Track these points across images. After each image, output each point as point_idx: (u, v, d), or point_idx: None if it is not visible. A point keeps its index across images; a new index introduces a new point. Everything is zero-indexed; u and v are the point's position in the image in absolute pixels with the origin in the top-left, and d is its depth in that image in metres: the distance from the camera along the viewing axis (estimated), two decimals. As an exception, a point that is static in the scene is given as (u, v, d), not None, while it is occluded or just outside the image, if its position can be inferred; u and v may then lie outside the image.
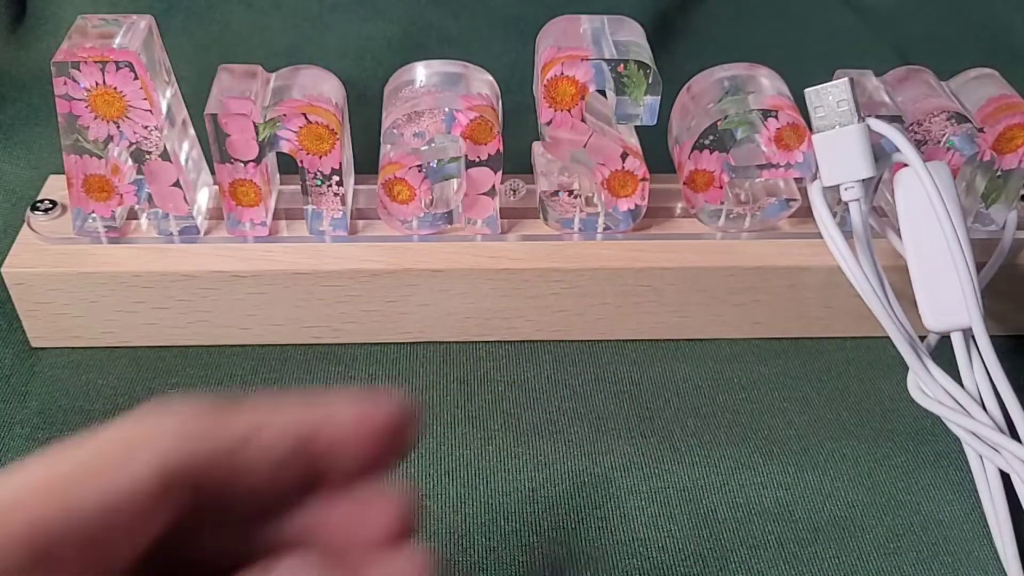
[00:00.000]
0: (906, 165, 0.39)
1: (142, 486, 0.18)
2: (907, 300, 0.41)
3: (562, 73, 0.39)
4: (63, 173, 0.41)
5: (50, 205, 0.43)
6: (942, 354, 0.40)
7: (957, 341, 0.38)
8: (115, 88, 0.38)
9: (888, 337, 0.46)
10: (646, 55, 0.40)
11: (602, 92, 0.41)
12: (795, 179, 0.44)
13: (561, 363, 0.44)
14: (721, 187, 0.43)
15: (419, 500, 0.22)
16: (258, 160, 0.40)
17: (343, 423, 0.21)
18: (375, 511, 0.21)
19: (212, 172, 0.43)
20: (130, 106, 0.38)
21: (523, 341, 0.45)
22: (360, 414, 0.21)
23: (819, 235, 0.45)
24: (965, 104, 0.43)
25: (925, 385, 0.39)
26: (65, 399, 0.41)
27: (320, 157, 0.40)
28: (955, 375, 0.39)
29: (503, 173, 0.42)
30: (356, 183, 0.46)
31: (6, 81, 0.58)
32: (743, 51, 0.47)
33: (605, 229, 0.44)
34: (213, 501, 0.20)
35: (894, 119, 0.41)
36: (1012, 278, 0.45)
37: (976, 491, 0.39)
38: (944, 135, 0.42)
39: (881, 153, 0.42)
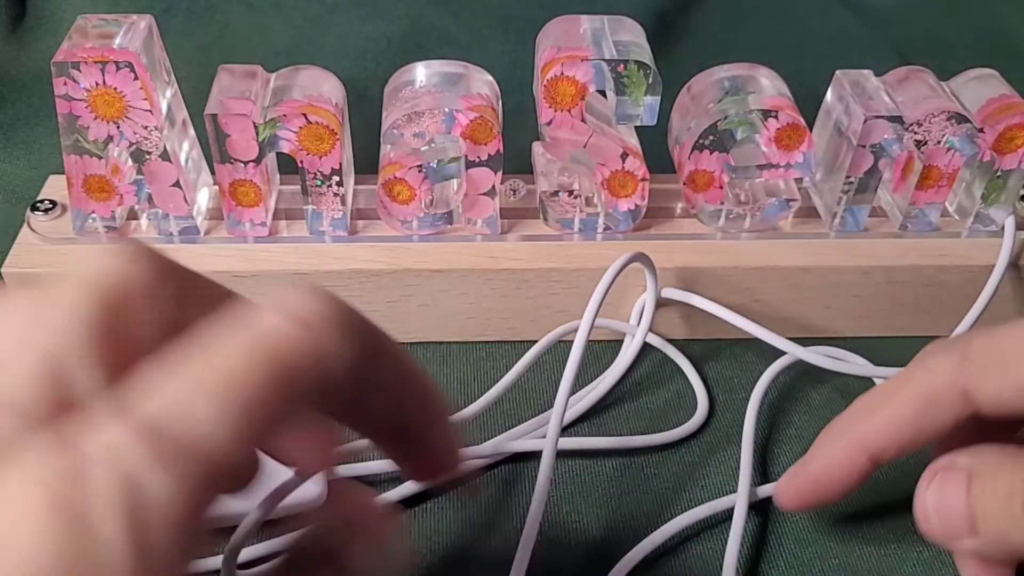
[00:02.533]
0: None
1: None
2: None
3: (562, 73, 0.39)
4: (63, 173, 0.41)
5: (50, 205, 0.43)
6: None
7: None
8: (115, 88, 0.38)
9: (889, 337, 0.46)
10: (646, 55, 0.40)
11: (602, 92, 0.41)
12: (795, 179, 0.44)
13: (561, 363, 0.44)
14: (721, 187, 0.43)
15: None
16: (258, 160, 0.40)
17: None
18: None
19: (212, 172, 0.43)
20: (130, 106, 0.38)
21: (523, 341, 0.45)
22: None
23: (819, 235, 0.45)
24: (965, 104, 0.43)
25: None
26: (65, 399, 0.41)
27: (320, 157, 0.40)
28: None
29: (503, 173, 0.42)
30: (356, 183, 0.46)
31: (6, 81, 0.58)
32: (743, 51, 0.47)
33: (605, 229, 0.44)
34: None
35: (894, 119, 0.41)
36: (1012, 280, 0.45)
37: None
38: (944, 135, 0.42)
39: (881, 153, 0.42)
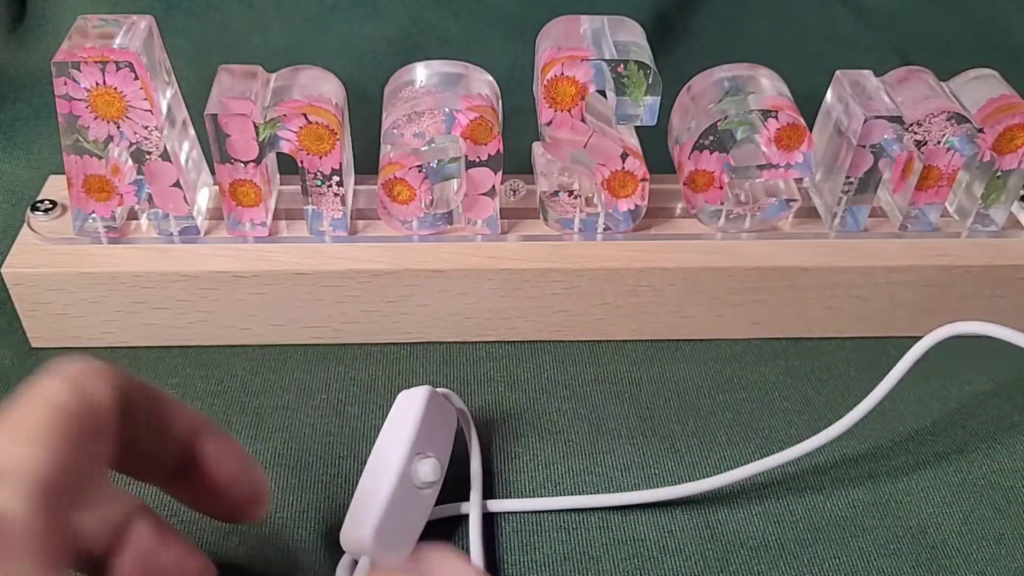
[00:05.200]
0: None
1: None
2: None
3: (562, 73, 0.39)
4: (63, 173, 0.41)
5: (50, 205, 0.43)
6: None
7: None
8: (115, 88, 0.38)
9: (889, 337, 0.46)
10: (646, 55, 0.40)
11: (602, 92, 0.41)
12: (795, 179, 0.44)
13: (561, 363, 0.44)
14: (721, 187, 0.43)
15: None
16: (258, 160, 0.40)
17: (221, 467, 0.28)
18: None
19: (212, 172, 0.43)
20: (130, 106, 0.38)
21: (523, 341, 0.45)
22: (237, 474, 0.29)
23: (819, 235, 0.45)
24: (965, 105, 0.43)
25: None
26: (65, 399, 0.41)
27: (320, 157, 0.40)
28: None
29: (503, 173, 0.42)
30: (356, 183, 0.46)
31: (6, 81, 0.58)
32: (743, 51, 0.47)
33: (605, 229, 0.44)
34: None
35: (894, 119, 0.41)
36: (1012, 279, 0.45)
37: (976, 493, 0.39)
38: (944, 135, 0.42)
39: (881, 153, 0.42)
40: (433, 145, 0.41)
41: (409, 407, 0.36)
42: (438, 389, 0.37)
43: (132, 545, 0.28)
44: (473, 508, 0.37)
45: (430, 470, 0.34)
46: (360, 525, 0.33)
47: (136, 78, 0.38)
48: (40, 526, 0.21)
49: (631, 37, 0.41)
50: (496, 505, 0.38)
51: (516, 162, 0.45)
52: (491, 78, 0.43)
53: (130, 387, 0.25)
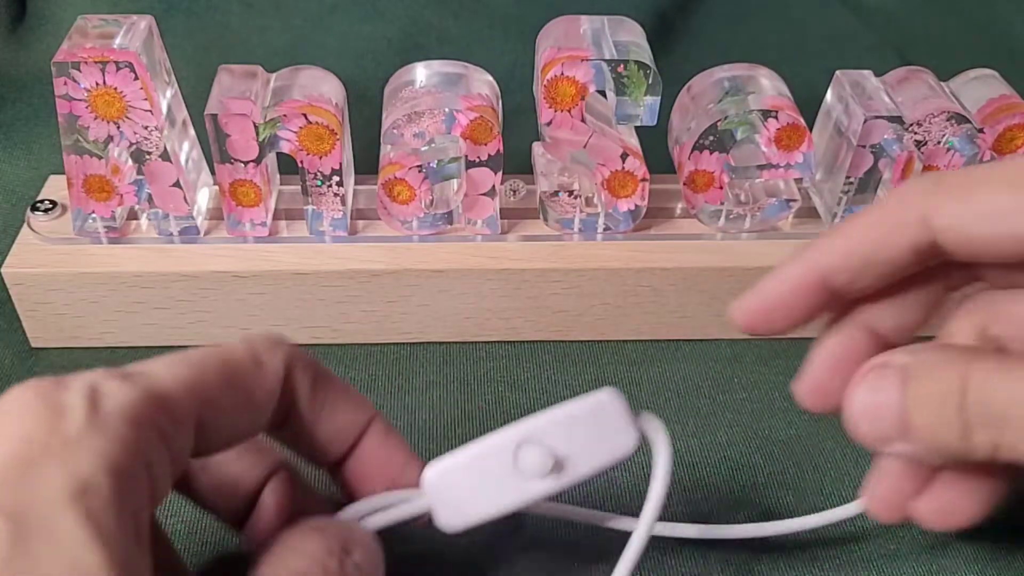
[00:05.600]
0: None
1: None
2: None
3: (562, 73, 0.39)
4: (63, 173, 0.41)
5: (50, 205, 0.44)
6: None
7: None
8: (115, 88, 0.38)
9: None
10: (646, 55, 0.40)
11: (602, 92, 0.41)
12: (795, 179, 0.44)
13: (561, 363, 0.44)
14: (721, 187, 0.43)
15: None
16: (258, 160, 0.40)
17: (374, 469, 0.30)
18: None
19: (212, 172, 0.43)
20: (130, 106, 0.38)
21: (523, 341, 0.45)
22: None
23: (819, 235, 0.45)
24: (965, 105, 0.43)
25: None
26: (65, 399, 0.41)
27: (320, 157, 0.40)
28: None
29: (503, 173, 0.42)
30: (356, 183, 0.46)
31: (6, 81, 0.58)
32: (743, 51, 0.47)
33: (605, 229, 0.44)
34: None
35: (894, 119, 0.41)
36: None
37: (976, 491, 0.39)
38: (944, 136, 0.42)
39: (881, 153, 0.42)
40: (433, 145, 0.41)
41: (578, 400, 0.32)
42: (644, 413, 0.32)
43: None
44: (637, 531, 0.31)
45: (535, 461, 0.30)
46: (436, 462, 0.30)
47: (136, 78, 0.38)
48: (131, 421, 0.23)
49: (631, 37, 0.41)
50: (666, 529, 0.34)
51: (516, 162, 0.45)
52: (491, 78, 0.43)
53: (304, 365, 0.28)
